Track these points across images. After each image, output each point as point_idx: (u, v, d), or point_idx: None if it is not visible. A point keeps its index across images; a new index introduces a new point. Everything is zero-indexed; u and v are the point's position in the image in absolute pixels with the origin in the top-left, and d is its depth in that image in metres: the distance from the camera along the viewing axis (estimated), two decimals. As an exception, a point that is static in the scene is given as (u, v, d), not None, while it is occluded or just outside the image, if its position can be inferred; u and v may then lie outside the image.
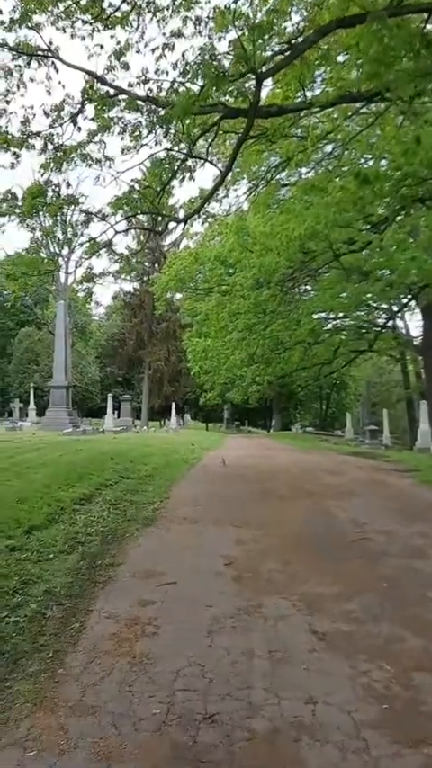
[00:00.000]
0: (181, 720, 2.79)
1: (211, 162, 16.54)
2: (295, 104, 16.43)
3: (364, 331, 37.59)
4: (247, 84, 13.14)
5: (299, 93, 17.38)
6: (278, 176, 28.17)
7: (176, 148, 16.25)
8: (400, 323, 38.97)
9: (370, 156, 19.06)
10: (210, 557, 5.53)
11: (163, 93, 11.24)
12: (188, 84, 11.85)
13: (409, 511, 7.81)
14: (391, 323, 37.28)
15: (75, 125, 9.52)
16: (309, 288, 34.13)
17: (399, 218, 25.96)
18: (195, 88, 13.90)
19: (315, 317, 32.60)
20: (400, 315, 37.95)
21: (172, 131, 15.43)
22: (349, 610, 4.13)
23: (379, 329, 36.38)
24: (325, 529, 6.71)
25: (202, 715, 2.83)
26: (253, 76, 10.55)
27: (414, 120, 18.80)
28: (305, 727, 2.75)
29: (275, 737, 2.68)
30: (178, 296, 40.14)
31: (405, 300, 35.18)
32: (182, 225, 23.93)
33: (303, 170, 28.04)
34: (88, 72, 9.41)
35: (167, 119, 12.06)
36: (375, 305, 37.23)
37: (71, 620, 3.88)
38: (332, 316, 35.22)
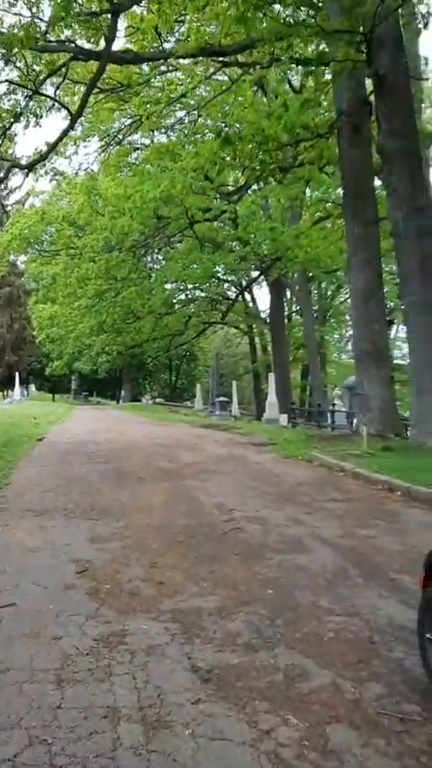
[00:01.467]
0: None
1: (57, 101, 14.99)
2: (152, 53, 15.27)
3: (216, 303, 37.61)
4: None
5: (155, 45, 16.27)
6: (130, 138, 26.86)
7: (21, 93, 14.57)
8: (248, 297, 39.57)
9: (224, 124, 18.43)
10: (59, 562, 4.54)
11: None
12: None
13: (276, 492, 7.27)
14: (240, 297, 37.69)
15: None
16: (161, 258, 33.38)
17: (251, 190, 25.86)
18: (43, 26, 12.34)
19: (168, 287, 31.95)
20: (248, 289, 38.59)
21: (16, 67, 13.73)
22: (235, 631, 3.36)
23: (231, 302, 36.52)
24: (191, 517, 5.94)
25: None
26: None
27: (275, 89, 18.31)
28: None
29: None
30: (22, 259, 37.58)
31: (255, 275, 35.67)
32: (27, 181, 21.85)
33: (157, 135, 26.91)
34: None
35: (7, 43, 10.53)
36: (225, 278, 37.41)
37: None
38: (184, 287, 34.88)
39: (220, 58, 15.92)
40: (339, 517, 6.00)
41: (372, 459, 9.44)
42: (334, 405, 19.98)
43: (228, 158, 13.73)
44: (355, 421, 17.81)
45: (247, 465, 9.53)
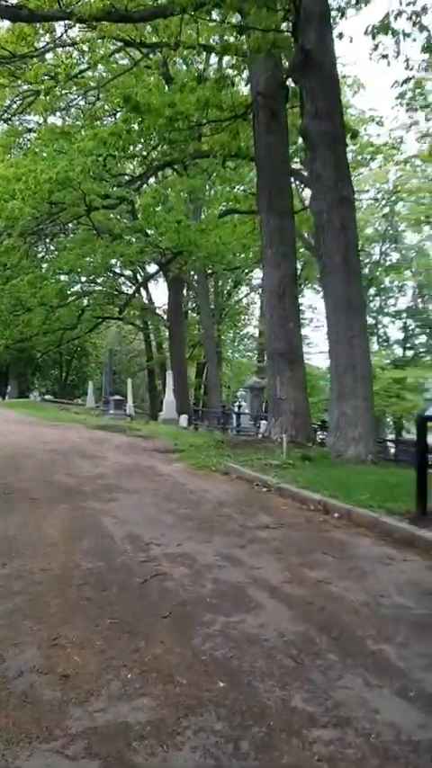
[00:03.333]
0: None
1: None
2: (52, 11, 13.69)
3: (113, 297, 36.04)
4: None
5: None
6: (24, 118, 24.86)
7: None
8: (143, 293, 38.22)
9: (122, 107, 17.09)
10: None
11: None
12: None
13: (197, 516, 6.17)
14: (137, 293, 36.34)
15: None
16: (53, 248, 31.34)
17: (151, 180, 24.63)
18: None
19: (63, 278, 30.06)
20: (145, 285, 37.26)
21: None
22: (186, 774, 2.24)
23: (128, 297, 35.08)
24: (99, 558, 4.71)
25: None
26: None
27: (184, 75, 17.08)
28: None
29: None
30: None
31: (153, 270, 34.45)
32: None
33: (51, 119, 25.08)
34: None
35: None
36: (121, 272, 35.95)
37: None
38: (77, 279, 33.03)
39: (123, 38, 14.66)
40: (279, 552, 4.98)
41: (294, 471, 8.57)
42: (240, 406, 19.16)
43: (134, 132, 12.46)
44: (262, 424, 17.08)
45: (156, 479, 8.37)
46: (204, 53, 17.26)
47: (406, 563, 4.77)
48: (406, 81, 13.56)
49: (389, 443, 21.27)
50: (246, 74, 14.09)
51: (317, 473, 8.19)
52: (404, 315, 42.86)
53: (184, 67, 21.08)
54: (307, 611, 3.76)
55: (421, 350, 43.53)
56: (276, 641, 3.33)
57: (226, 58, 17.27)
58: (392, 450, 19.41)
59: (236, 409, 18.88)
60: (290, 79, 12.42)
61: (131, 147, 15.04)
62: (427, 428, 5.81)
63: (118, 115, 19.21)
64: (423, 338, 43.06)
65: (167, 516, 6.11)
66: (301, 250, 24.12)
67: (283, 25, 10.71)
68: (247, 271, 36.91)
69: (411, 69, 12.58)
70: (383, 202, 37.26)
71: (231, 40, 11.84)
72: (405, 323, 43.22)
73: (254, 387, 23.70)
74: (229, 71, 13.19)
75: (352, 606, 3.85)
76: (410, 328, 43.24)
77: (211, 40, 17.30)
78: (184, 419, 22.79)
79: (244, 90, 16.06)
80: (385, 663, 3.12)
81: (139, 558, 4.73)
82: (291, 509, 6.62)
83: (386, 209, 38.89)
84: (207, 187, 24.86)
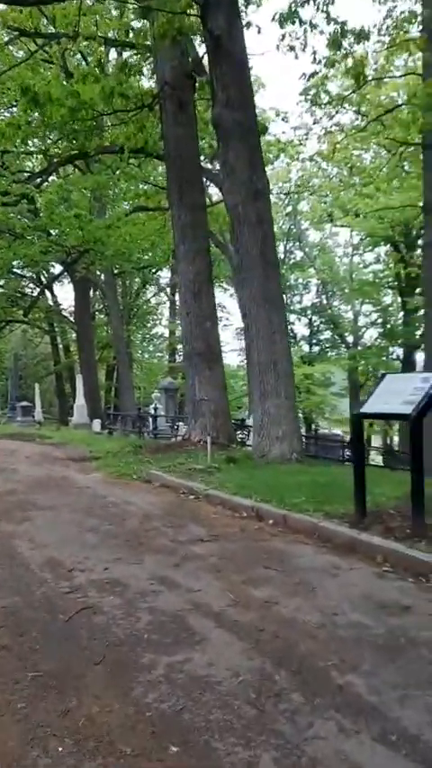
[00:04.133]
0: None
1: None
2: None
3: (16, 300, 34.49)
4: None
5: None
6: None
7: None
8: (48, 294, 36.83)
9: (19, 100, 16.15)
10: None
11: None
12: None
13: (123, 532, 5.64)
14: (41, 296, 34.97)
15: None
16: None
17: (53, 178, 23.61)
18: None
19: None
20: (50, 286, 35.88)
21: None
22: None
23: (33, 299, 33.70)
24: (14, 592, 4.10)
25: None
26: None
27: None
28: None
29: None
30: None
31: (58, 271, 33.25)
32: None
33: None
34: None
35: None
36: (23, 273, 34.46)
37: None
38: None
39: (17, 27, 13.79)
40: (217, 569, 4.55)
41: (220, 475, 8.18)
42: (156, 408, 18.61)
43: (35, 122, 11.68)
44: (180, 426, 16.64)
45: (74, 491, 7.73)
46: (105, 45, 16.63)
47: (353, 572, 4.45)
48: (312, 75, 13.41)
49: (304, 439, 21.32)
50: (152, 63, 13.56)
51: (245, 476, 7.83)
52: (309, 312, 43.70)
53: (84, 64, 20.28)
54: (259, 640, 3.34)
55: (326, 345, 44.58)
56: (231, 683, 2.88)
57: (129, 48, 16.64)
58: (309, 446, 19.44)
59: (152, 411, 18.28)
60: (197, 68, 12.05)
61: (32, 141, 14.18)
62: (363, 426, 5.53)
63: (14, 109, 18.23)
64: (328, 334, 44.10)
65: (90, 535, 5.53)
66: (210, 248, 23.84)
67: (192, 11, 10.29)
68: (155, 270, 36.33)
69: (319, 63, 12.44)
70: (287, 201, 37.76)
71: (137, 25, 11.26)
72: (310, 319, 44.10)
73: (168, 388, 23.24)
74: (135, 59, 12.56)
75: (307, 630, 3.47)
76: (315, 325, 44.16)
77: (111, 34, 16.72)
78: (97, 424, 22.01)
79: (150, 82, 15.55)
80: (356, 700, 2.74)
81: (61, 588, 4.16)
82: (222, 518, 6.20)
83: (289, 208, 39.45)
84: (112, 184, 24.14)
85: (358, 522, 5.32)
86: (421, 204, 18.53)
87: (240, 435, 14.14)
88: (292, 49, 11.56)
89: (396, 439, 44.16)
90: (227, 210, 10.66)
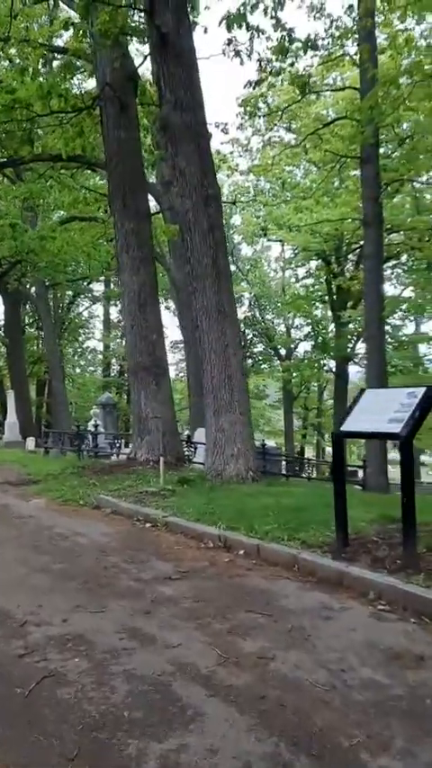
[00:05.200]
0: None
1: None
2: None
3: None
4: None
5: None
6: None
7: None
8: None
9: None
10: None
11: None
12: None
13: (79, 572, 4.97)
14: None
15: None
16: None
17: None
18: None
19: None
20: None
21: None
22: None
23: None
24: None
25: None
26: None
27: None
28: None
29: None
30: None
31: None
32: None
33: None
34: None
35: None
36: None
37: None
38: None
39: None
40: (195, 615, 3.97)
41: (176, 498, 7.60)
42: (96, 425, 17.79)
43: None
44: (122, 444, 15.90)
45: (16, 522, 6.98)
46: (40, 47, 15.89)
47: (347, 613, 3.97)
48: (258, 83, 13.10)
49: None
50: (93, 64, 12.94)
51: (203, 500, 7.27)
52: (242, 325, 43.66)
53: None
54: (263, 711, 2.80)
55: (260, 358, 44.63)
56: (244, 779, 2.33)
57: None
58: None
59: (91, 428, 17.47)
60: (140, 69, 11.55)
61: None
62: (344, 446, 5.09)
63: None
64: (261, 347, 44.17)
65: (41, 576, 4.85)
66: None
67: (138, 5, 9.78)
68: (88, 281, 35.40)
69: (265, 71, 12.14)
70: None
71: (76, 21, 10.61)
72: (244, 332, 44.04)
73: (107, 403, 22.42)
74: (73, 60, 11.90)
75: (316, 694, 2.95)
76: (249, 338, 44.15)
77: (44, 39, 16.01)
78: (31, 442, 20.95)
79: (91, 83, 14.93)
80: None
81: (14, 649, 3.49)
82: (187, 549, 5.63)
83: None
84: (46, 193, 23.27)
85: (341, 552, 4.86)
86: (361, 218, 18.64)
87: (186, 453, 13.56)
88: (237, 54, 11.19)
89: (328, 449, 44.64)
90: (177, 217, 10.16)
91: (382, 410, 4.75)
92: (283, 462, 23.59)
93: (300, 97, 16.06)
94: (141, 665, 3.27)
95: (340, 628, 3.73)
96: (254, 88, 13.74)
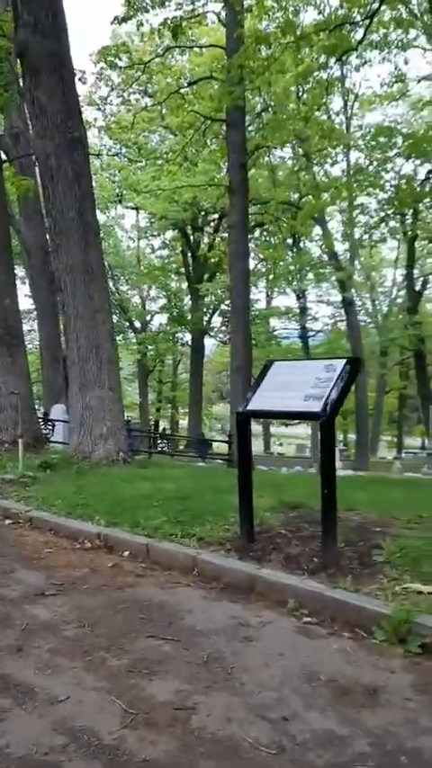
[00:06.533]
0: None
1: None
2: None
3: None
4: None
5: None
6: None
7: None
8: None
9: None
10: None
11: None
12: None
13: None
14: None
15: None
16: None
17: None
18: None
19: None
20: None
21: None
22: None
23: None
24: None
25: None
26: None
27: None
28: None
29: None
30: None
31: None
32: None
33: None
34: None
35: None
36: None
37: None
38: None
39: None
40: (82, 649, 3.09)
41: (39, 487, 6.58)
42: None
43: None
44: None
45: None
46: None
47: (269, 630, 3.29)
48: (125, 19, 11.87)
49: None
50: None
51: (72, 488, 6.32)
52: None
53: None
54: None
55: (114, 330, 43.47)
56: None
57: None
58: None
59: None
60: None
61: None
62: (249, 427, 4.39)
63: None
64: (114, 318, 42.90)
65: None
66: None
67: None
68: None
69: (133, 7, 11.00)
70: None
71: None
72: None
73: None
74: None
75: (261, 762, 2.22)
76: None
77: None
78: None
79: None
80: None
81: None
82: (60, 552, 4.69)
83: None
84: None
85: (248, 550, 4.19)
86: (226, 184, 18.08)
87: (44, 432, 12.36)
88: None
89: (183, 423, 44.64)
90: (31, 169, 8.86)
91: (295, 385, 4.10)
92: (152, 439, 23.02)
93: (175, 42, 14.98)
94: (18, 737, 2.36)
95: (266, 653, 3.04)
96: (120, 24, 12.50)
